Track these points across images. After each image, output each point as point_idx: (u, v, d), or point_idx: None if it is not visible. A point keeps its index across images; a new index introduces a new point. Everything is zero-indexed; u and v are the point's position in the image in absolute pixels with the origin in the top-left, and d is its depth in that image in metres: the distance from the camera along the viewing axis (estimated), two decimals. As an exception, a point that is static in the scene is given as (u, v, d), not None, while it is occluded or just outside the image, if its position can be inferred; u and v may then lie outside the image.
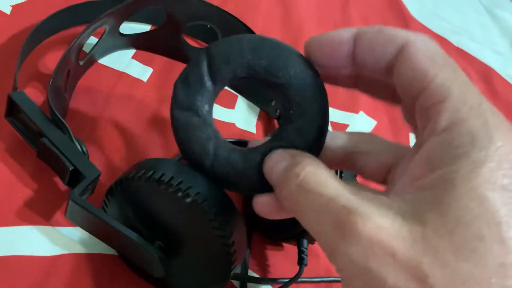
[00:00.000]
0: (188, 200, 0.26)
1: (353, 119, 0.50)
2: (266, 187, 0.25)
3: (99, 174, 0.30)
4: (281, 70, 0.25)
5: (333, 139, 0.26)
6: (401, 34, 0.22)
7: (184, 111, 0.26)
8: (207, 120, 0.26)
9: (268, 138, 0.26)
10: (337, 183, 0.21)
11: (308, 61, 0.25)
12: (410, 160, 0.21)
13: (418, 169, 0.20)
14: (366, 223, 0.18)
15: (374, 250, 0.18)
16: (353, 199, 0.19)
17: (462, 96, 0.20)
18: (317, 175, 0.21)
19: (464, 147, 0.19)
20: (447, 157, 0.19)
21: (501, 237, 0.17)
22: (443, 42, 0.70)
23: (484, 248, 0.17)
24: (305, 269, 0.34)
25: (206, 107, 0.26)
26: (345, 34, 0.23)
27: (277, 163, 0.24)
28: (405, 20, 0.70)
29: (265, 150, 0.25)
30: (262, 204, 0.26)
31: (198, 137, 0.26)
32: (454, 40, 0.71)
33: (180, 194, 0.26)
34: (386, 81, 0.23)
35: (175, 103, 0.26)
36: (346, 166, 0.27)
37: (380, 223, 0.18)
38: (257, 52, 0.25)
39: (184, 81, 0.26)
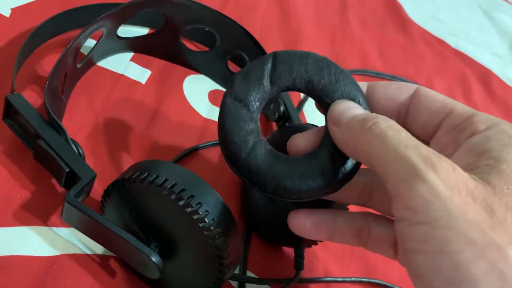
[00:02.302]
0: (189, 209, 0.26)
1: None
2: (298, 194, 0.27)
3: (95, 176, 0.30)
4: (336, 92, 0.27)
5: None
6: (410, 85, 0.28)
7: (237, 102, 0.28)
8: (255, 116, 0.28)
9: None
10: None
11: (361, 92, 0.28)
12: None
13: (462, 158, 0.24)
14: (455, 170, 0.21)
15: (459, 188, 0.21)
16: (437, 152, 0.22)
17: (484, 113, 0.25)
18: (402, 128, 0.24)
19: (505, 140, 0.23)
20: (493, 146, 0.23)
21: None
22: (441, 44, 0.71)
23: None
24: (305, 268, 0.34)
25: (257, 104, 0.28)
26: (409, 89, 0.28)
27: (354, 108, 0.26)
28: (403, 22, 0.70)
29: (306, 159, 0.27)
30: (300, 225, 0.30)
31: (242, 128, 0.27)
32: (452, 42, 0.71)
33: (182, 203, 0.26)
34: None
35: (231, 92, 0.28)
36: (361, 200, 0.31)
37: (463, 174, 0.21)
38: (320, 71, 0.28)
39: (245, 75, 0.28)
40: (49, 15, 0.40)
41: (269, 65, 0.28)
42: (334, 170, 0.27)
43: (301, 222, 0.30)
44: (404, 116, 0.28)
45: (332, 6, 0.67)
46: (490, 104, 0.65)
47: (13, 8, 0.43)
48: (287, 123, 0.43)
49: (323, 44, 0.59)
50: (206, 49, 0.47)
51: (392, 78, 0.59)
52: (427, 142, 0.26)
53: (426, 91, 0.27)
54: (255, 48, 0.44)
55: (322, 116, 0.49)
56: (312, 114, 0.49)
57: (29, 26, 0.41)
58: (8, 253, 0.29)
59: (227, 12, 0.44)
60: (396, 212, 0.22)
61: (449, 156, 0.24)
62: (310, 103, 0.50)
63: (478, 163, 0.23)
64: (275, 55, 0.28)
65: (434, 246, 0.20)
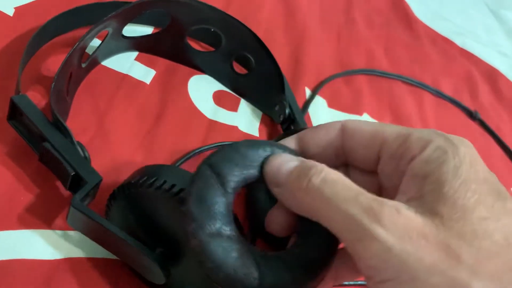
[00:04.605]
0: None
1: (356, 122, 0.50)
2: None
3: (101, 180, 0.29)
4: None
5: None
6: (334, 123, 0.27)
7: (212, 237, 0.23)
8: (237, 237, 0.24)
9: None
10: (355, 184, 0.23)
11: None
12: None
13: (409, 186, 0.23)
14: (400, 212, 0.21)
15: (410, 235, 0.20)
16: (377, 196, 0.22)
17: (417, 129, 0.25)
18: (337, 174, 0.23)
19: (441, 157, 0.22)
20: (432, 168, 0.22)
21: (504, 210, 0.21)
22: (448, 43, 0.70)
23: (492, 227, 0.21)
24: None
25: (229, 225, 0.24)
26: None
27: (287, 162, 0.25)
28: (409, 21, 0.70)
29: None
30: (276, 222, 0.27)
31: (235, 261, 0.23)
32: (459, 41, 0.71)
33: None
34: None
35: (199, 230, 0.23)
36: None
37: (408, 215, 0.21)
38: (257, 151, 0.25)
39: (199, 203, 0.23)
40: (53, 14, 0.40)
41: (211, 175, 0.24)
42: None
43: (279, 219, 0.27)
44: (342, 155, 0.27)
45: (337, 5, 0.66)
46: (497, 103, 0.64)
47: (17, 7, 0.42)
48: (292, 126, 0.43)
49: (328, 44, 0.59)
50: (212, 49, 0.46)
51: (398, 78, 0.58)
52: (376, 172, 0.26)
53: (352, 126, 0.26)
54: (261, 49, 0.43)
55: (327, 118, 0.49)
56: (317, 116, 0.49)
57: (33, 25, 0.40)
58: (12, 257, 0.29)
59: (232, 12, 0.43)
60: (361, 270, 0.22)
61: (397, 185, 0.24)
62: (316, 105, 0.50)
63: (423, 190, 0.22)
64: (209, 164, 0.24)
65: None
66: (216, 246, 0.22)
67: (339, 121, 0.27)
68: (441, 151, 0.23)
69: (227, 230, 0.23)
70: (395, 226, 0.20)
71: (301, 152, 0.27)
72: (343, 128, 0.26)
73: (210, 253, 0.22)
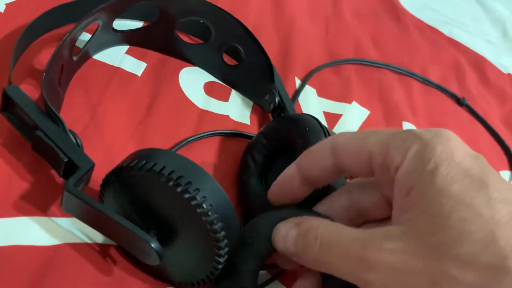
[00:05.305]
0: (187, 195, 0.27)
1: (346, 109, 0.51)
2: None
3: (93, 165, 0.30)
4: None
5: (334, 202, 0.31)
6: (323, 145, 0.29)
7: None
8: None
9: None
10: (348, 229, 0.26)
11: None
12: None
13: (398, 203, 0.25)
14: (382, 250, 0.23)
15: (396, 270, 0.23)
16: (365, 235, 0.24)
17: (397, 134, 0.26)
18: (329, 231, 0.26)
19: (419, 167, 0.24)
20: (412, 182, 0.24)
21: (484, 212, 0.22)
22: (435, 33, 0.71)
23: (472, 227, 0.22)
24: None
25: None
26: (290, 171, 0.31)
27: (287, 233, 0.28)
28: (397, 12, 0.71)
29: None
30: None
31: None
32: (446, 30, 0.72)
33: (180, 189, 0.27)
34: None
35: None
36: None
37: (391, 247, 0.23)
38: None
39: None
40: (43, 10, 0.40)
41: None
42: None
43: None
44: (340, 172, 0.29)
45: (326, -3, 0.67)
46: (484, 90, 0.65)
47: (8, 4, 0.43)
48: (282, 114, 0.44)
49: (317, 35, 0.60)
50: (202, 42, 0.47)
51: (386, 66, 0.59)
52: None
53: (340, 144, 0.28)
54: (250, 40, 0.44)
55: (316, 107, 0.50)
56: (306, 104, 0.50)
57: (24, 21, 0.41)
58: (9, 243, 0.30)
59: (221, 4, 0.44)
60: None
61: (392, 197, 0.26)
62: (305, 94, 0.51)
63: (408, 205, 0.24)
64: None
65: None
66: None
67: (327, 141, 0.29)
68: (418, 159, 0.24)
69: None
70: (380, 269, 0.23)
71: (305, 178, 0.30)
72: (332, 148, 0.28)
73: None
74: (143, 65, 0.44)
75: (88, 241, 0.32)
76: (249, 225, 0.30)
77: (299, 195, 0.30)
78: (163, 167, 0.27)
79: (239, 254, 0.29)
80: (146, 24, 0.46)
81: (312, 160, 0.29)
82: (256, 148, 0.39)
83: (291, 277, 0.35)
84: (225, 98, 0.46)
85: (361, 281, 0.24)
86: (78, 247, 0.31)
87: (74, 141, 0.31)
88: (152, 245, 0.28)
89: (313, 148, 0.29)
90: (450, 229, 0.22)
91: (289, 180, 0.30)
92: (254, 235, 0.29)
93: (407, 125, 0.53)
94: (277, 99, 0.43)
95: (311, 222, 0.27)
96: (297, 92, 0.50)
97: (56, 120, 0.31)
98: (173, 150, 0.39)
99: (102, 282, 0.31)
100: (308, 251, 0.26)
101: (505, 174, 0.55)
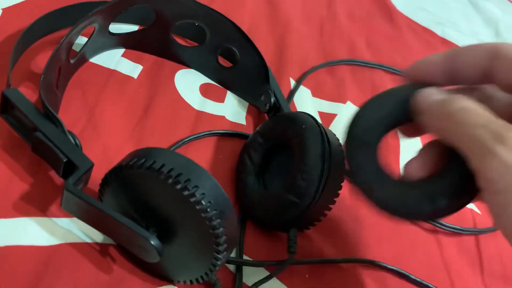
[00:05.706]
0: (186, 193, 0.27)
1: (340, 109, 0.52)
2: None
3: (92, 165, 0.30)
4: None
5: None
6: (487, 44, 0.28)
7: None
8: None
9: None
10: (488, 111, 0.25)
11: None
12: None
13: None
14: None
15: None
16: (507, 123, 0.24)
17: None
18: (474, 104, 0.26)
19: None
20: None
21: None
22: (428, 33, 0.72)
23: None
24: (299, 251, 0.35)
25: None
26: (436, 57, 0.30)
27: (433, 94, 0.28)
28: (390, 13, 0.71)
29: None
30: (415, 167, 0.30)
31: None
32: (439, 31, 0.73)
33: (179, 186, 0.27)
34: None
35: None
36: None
37: None
38: None
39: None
40: (40, 14, 0.41)
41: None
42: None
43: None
44: (490, 78, 0.28)
45: (319, -1, 0.68)
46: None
47: (5, 8, 0.44)
48: (278, 114, 0.44)
49: (311, 36, 0.60)
50: (197, 44, 0.47)
51: (380, 67, 0.60)
52: None
53: (505, 51, 0.27)
54: (245, 42, 0.45)
55: (311, 107, 0.50)
56: (301, 104, 0.50)
57: (21, 26, 0.41)
58: (9, 243, 0.30)
59: (216, 6, 0.44)
60: (479, 183, 0.25)
61: None
62: (300, 94, 0.51)
63: None
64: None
65: None
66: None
67: (489, 44, 0.28)
68: None
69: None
70: None
71: (448, 70, 0.29)
72: (495, 51, 0.28)
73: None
74: (139, 67, 0.45)
75: (87, 240, 0.32)
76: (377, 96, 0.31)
77: (435, 79, 0.30)
78: (162, 165, 0.27)
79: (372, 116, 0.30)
80: (142, 27, 0.47)
81: (467, 55, 0.29)
82: (252, 147, 0.39)
83: (288, 274, 0.36)
84: (220, 99, 0.46)
85: (486, 151, 0.24)
86: (78, 247, 0.32)
87: (73, 141, 0.31)
88: (152, 242, 0.28)
89: (470, 45, 0.29)
90: None
91: (432, 63, 0.30)
92: (387, 97, 0.30)
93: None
94: (272, 100, 0.44)
95: (457, 95, 0.27)
96: (292, 93, 0.51)
97: (55, 121, 0.31)
98: (173, 149, 0.39)
99: (102, 281, 0.31)
100: (446, 110, 0.26)
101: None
